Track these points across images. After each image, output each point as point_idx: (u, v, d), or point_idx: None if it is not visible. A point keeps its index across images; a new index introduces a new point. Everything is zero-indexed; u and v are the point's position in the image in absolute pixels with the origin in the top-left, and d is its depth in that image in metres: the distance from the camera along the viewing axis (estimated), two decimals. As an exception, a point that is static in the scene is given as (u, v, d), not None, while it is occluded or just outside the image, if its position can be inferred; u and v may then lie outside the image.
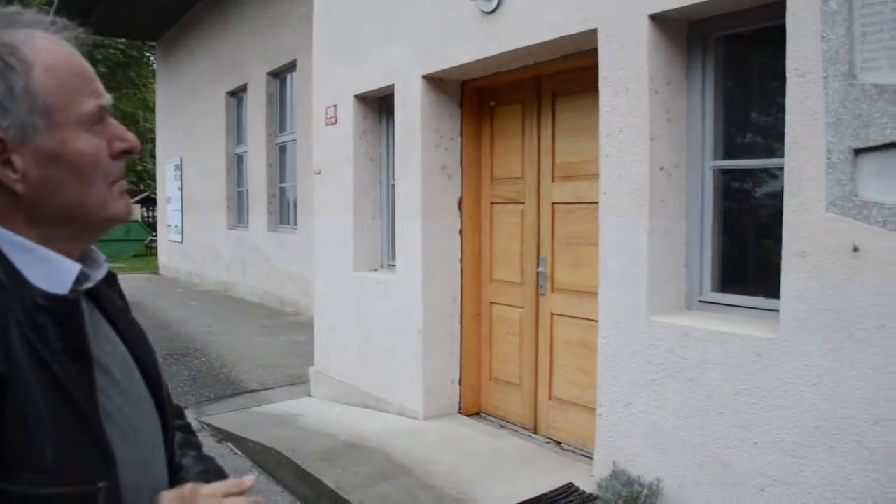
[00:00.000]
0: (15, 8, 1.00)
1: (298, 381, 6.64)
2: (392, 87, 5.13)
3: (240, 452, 5.05)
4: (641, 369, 3.46)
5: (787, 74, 2.84)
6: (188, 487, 1.06)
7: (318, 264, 6.16)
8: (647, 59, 3.37)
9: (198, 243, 14.19)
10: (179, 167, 14.78)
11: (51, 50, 0.98)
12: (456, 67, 4.59)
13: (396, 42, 5.04)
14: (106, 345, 1.06)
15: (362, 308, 5.54)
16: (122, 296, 1.20)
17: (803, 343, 2.81)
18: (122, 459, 0.97)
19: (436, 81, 4.85)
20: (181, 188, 14.85)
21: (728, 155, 3.45)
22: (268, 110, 11.05)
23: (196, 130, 13.74)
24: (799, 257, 2.83)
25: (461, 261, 5.02)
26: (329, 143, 5.91)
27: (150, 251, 21.22)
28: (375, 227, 5.68)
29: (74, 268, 1.00)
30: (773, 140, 3.28)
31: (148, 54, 23.94)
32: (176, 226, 15.46)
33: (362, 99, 5.58)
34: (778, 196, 3.06)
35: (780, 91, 2.91)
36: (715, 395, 3.15)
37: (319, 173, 6.07)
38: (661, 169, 3.41)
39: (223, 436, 5.30)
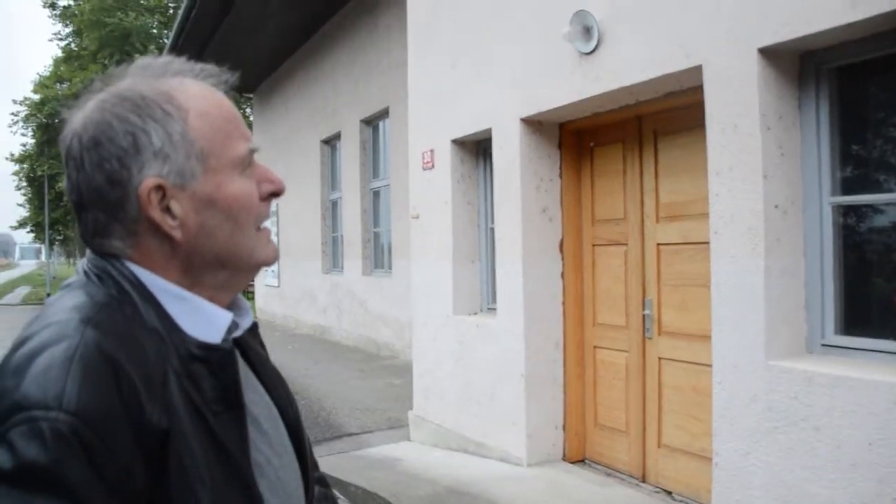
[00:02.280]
0: (165, 58, 1.02)
1: (397, 425, 6.64)
2: (489, 130, 5.15)
3: (342, 497, 5.05)
4: (761, 416, 3.29)
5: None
6: None
7: (417, 308, 6.18)
8: (756, 95, 3.27)
9: (294, 287, 14.52)
10: (276, 213, 15.23)
11: (203, 96, 0.99)
12: (554, 109, 4.57)
13: (493, 86, 5.07)
14: (253, 394, 1.05)
15: (462, 352, 5.51)
16: (261, 344, 1.19)
17: (946, 390, 2.62)
18: None
19: (534, 124, 4.84)
20: (277, 233, 15.29)
21: (847, 190, 3.29)
22: (361, 157, 11.29)
23: (292, 177, 14.17)
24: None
25: (563, 304, 4.94)
26: (426, 188, 5.96)
27: (248, 295, 21.85)
28: (474, 271, 5.67)
29: (227, 316, 0.99)
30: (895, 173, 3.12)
31: (245, 106, 24.95)
32: (272, 271, 15.88)
33: (459, 143, 5.62)
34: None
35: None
36: (846, 445, 2.96)
37: (417, 217, 6.12)
38: (776, 206, 3.28)
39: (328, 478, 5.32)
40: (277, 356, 10.22)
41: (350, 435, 6.53)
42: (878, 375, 2.89)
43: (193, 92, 0.98)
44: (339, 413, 7.24)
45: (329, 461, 5.61)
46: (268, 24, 12.42)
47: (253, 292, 18.43)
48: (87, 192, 0.94)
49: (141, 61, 1.01)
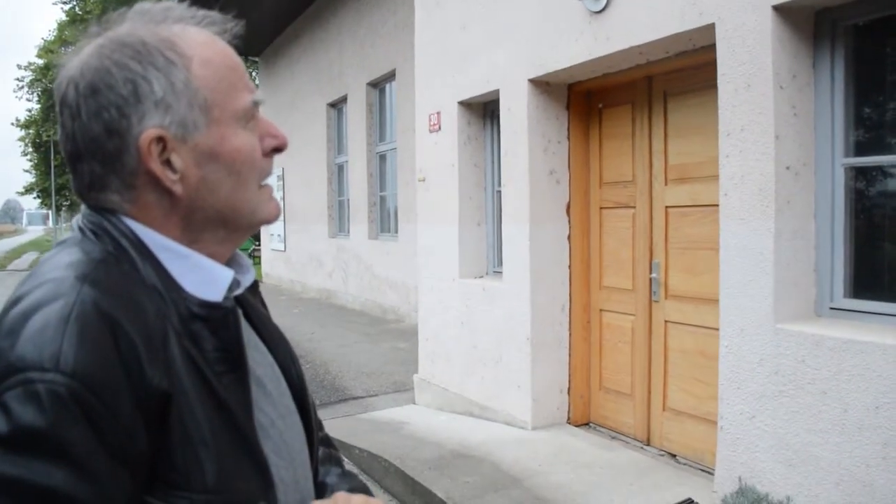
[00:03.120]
0: (166, 3, 0.97)
1: (402, 389, 6.67)
2: (497, 92, 5.08)
3: (347, 460, 5.08)
4: (768, 380, 3.27)
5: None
6: (340, 495, 1.02)
7: (423, 271, 6.15)
8: (770, 53, 3.20)
9: (300, 252, 14.53)
10: (282, 177, 15.17)
11: (207, 44, 0.94)
12: (563, 70, 4.49)
13: (500, 47, 4.99)
14: (256, 354, 1.02)
15: (468, 315, 5.50)
16: (262, 302, 1.16)
17: (956, 354, 2.59)
18: (277, 476, 0.94)
19: (542, 85, 4.77)
20: (283, 198, 15.25)
21: (861, 152, 3.23)
22: (367, 120, 11.21)
23: (297, 141, 14.09)
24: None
25: (570, 267, 4.90)
26: (433, 151, 5.91)
27: (254, 259, 21.90)
28: (481, 234, 5.63)
29: (228, 274, 0.96)
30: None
31: (251, 70, 24.77)
32: (279, 235, 15.88)
33: (466, 105, 5.55)
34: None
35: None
36: (852, 408, 2.94)
37: (423, 180, 6.07)
38: (788, 168, 3.22)
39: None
40: (283, 320, 10.25)
41: (355, 398, 6.56)
42: (886, 339, 2.86)
43: (196, 39, 0.94)
44: (345, 376, 7.27)
45: (334, 424, 5.64)
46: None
47: (259, 256, 18.47)
48: (83, 142, 0.90)
49: (140, 6, 0.96)
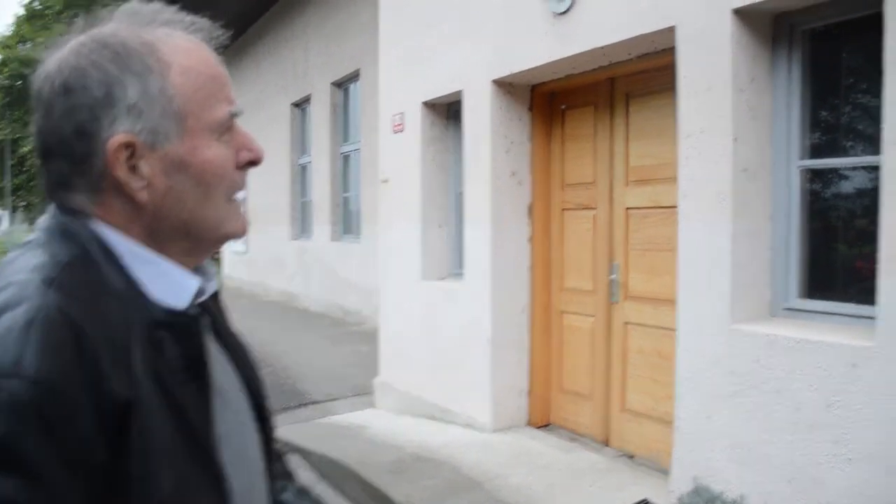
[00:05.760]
0: (156, 5, 0.95)
1: (363, 392, 6.61)
2: (460, 92, 5.07)
3: (306, 465, 5.02)
4: (723, 380, 3.30)
5: (885, 67, 2.68)
6: None
7: (384, 273, 6.12)
8: (729, 56, 3.23)
9: (262, 254, 14.38)
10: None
11: (190, 51, 0.93)
12: (526, 71, 4.50)
13: (464, 47, 4.98)
14: (216, 363, 1.00)
15: (429, 318, 5.47)
16: (223, 310, 1.13)
17: (903, 352, 2.64)
18: (233, 487, 0.91)
19: (505, 86, 4.77)
20: (246, 199, 15.05)
21: (816, 154, 3.28)
22: (332, 120, 11.14)
23: (261, 141, 13.76)
24: (897, 261, 2.66)
25: (531, 269, 4.91)
26: (396, 151, 5.88)
27: (214, 261, 21.63)
28: (443, 236, 5.61)
29: (194, 282, 0.94)
30: (864, 138, 3.11)
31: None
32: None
33: (430, 106, 5.54)
34: (870, 196, 2.90)
35: (873, 86, 2.75)
36: (804, 407, 2.98)
37: (387, 181, 6.04)
38: (745, 170, 3.26)
39: (289, 448, 5.28)
40: (244, 324, 10.13)
41: (315, 402, 6.48)
42: (837, 338, 2.91)
43: (180, 45, 0.92)
44: (305, 380, 7.19)
45: (294, 429, 5.57)
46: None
47: (219, 259, 18.25)
48: (53, 141, 0.88)
49: (129, 6, 0.94)
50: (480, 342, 4.87)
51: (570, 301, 4.78)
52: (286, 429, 5.61)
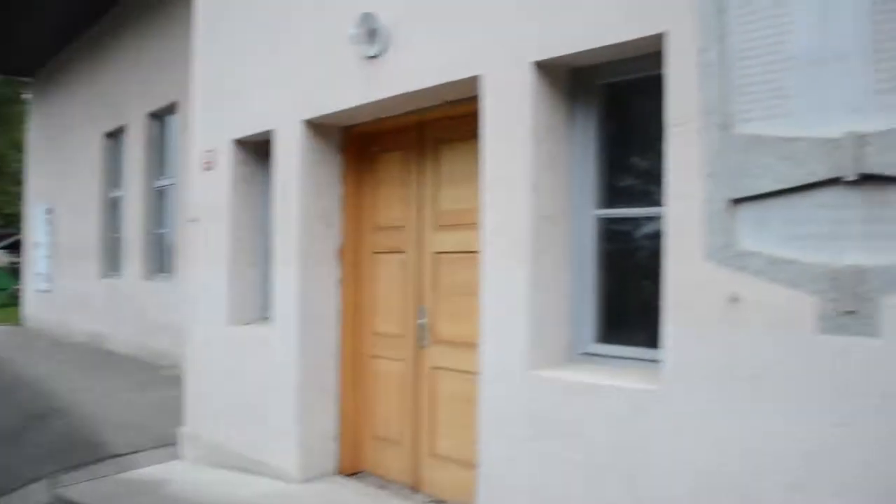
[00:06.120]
0: None
1: (170, 443, 6.18)
2: (272, 131, 4.93)
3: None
4: (524, 425, 3.34)
5: (666, 124, 2.85)
6: None
7: (191, 317, 5.81)
8: (530, 107, 3.33)
9: (67, 292, 13.34)
10: (50, 211, 13.95)
11: None
12: (338, 113, 4.45)
13: (278, 86, 4.87)
14: None
15: (236, 364, 5.23)
16: None
17: (684, 395, 2.77)
18: None
19: (317, 127, 4.69)
20: (51, 233, 14.01)
21: (611, 203, 3.44)
22: (147, 153, 10.59)
23: (70, 173, 13.04)
24: (679, 308, 2.81)
25: (341, 313, 4.81)
26: (206, 189, 5.63)
27: (14, 301, 19.84)
28: (252, 278, 5.40)
29: None
30: (655, 189, 3.28)
31: (22, 91, 22.74)
32: (44, 273, 14.51)
33: (242, 143, 5.35)
34: (658, 245, 3.05)
35: (661, 141, 2.91)
36: (597, 451, 3.06)
37: (195, 221, 5.76)
38: (544, 218, 3.35)
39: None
40: (42, 368, 9.34)
41: (116, 456, 5.97)
42: (627, 382, 3.02)
43: None
44: (107, 431, 6.64)
45: (88, 488, 5.11)
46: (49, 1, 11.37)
47: (19, 297, 16.78)
48: None
49: None
50: (288, 389, 4.70)
51: (381, 345, 4.72)
52: (79, 488, 5.13)
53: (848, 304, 2.44)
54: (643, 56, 3.07)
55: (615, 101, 3.42)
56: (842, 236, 2.47)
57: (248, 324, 5.33)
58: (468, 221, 4.09)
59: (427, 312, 4.36)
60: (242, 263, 5.37)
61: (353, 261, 4.83)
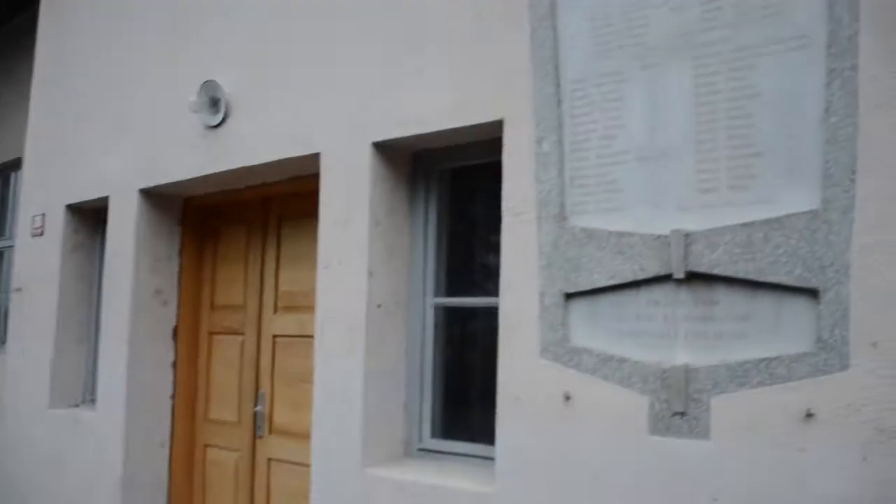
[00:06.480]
0: None
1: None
2: (107, 199, 4.59)
3: None
4: (356, 526, 3.10)
5: (503, 213, 2.78)
6: None
7: (8, 399, 5.24)
8: (368, 189, 3.20)
9: None
10: None
11: None
12: (179, 183, 4.18)
13: (117, 150, 4.54)
14: None
15: (56, 452, 4.71)
16: None
17: (518, 495, 2.63)
18: None
19: (155, 196, 4.39)
20: None
21: (450, 292, 3.32)
22: (-16, 212, 9.81)
23: None
24: (513, 404, 2.69)
25: (173, 397, 4.43)
26: (35, 257, 5.17)
27: None
28: (80, 356, 4.95)
29: None
30: (494, 279, 3.19)
31: None
32: None
33: (75, 210, 4.96)
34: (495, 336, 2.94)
35: (499, 229, 2.82)
36: (429, 557, 2.85)
37: (20, 291, 5.27)
38: (380, 306, 3.19)
39: None
40: None
41: None
42: (462, 483, 2.86)
43: None
44: None
45: None
46: None
47: None
48: None
49: None
50: (111, 481, 4.26)
51: (216, 434, 4.37)
52: None
53: (678, 404, 2.38)
54: (483, 142, 3.00)
55: (457, 187, 3.35)
56: (672, 334, 2.43)
57: (73, 406, 4.85)
58: (308, 304, 3.87)
59: (265, 399, 4.07)
60: (70, 339, 4.91)
61: (189, 341, 4.48)
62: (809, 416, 2.14)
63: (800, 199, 2.23)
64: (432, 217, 3.33)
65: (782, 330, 2.26)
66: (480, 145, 3.05)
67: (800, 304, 2.22)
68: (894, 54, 2.08)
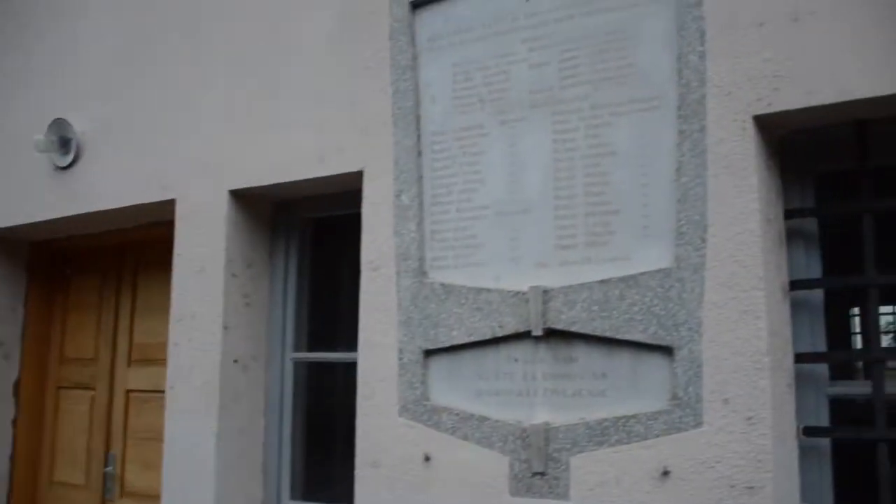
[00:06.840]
0: None
1: None
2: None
3: None
4: None
5: (362, 267, 2.71)
6: None
7: None
8: (225, 238, 3.07)
9: None
10: None
11: None
12: (25, 226, 3.90)
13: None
14: None
15: None
16: None
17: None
18: None
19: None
20: None
21: (312, 346, 3.21)
22: None
23: None
24: (372, 466, 2.59)
25: (12, 458, 4.07)
26: None
27: None
28: None
29: None
30: (356, 333, 3.10)
31: None
32: None
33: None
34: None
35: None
36: None
37: None
38: (236, 361, 3.05)
39: None
40: None
41: None
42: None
43: None
44: None
45: None
46: None
47: None
48: None
49: None
50: (-62, 556, 3.86)
51: (60, 498, 4.04)
52: None
53: (538, 464, 2.33)
54: (345, 193, 2.92)
55: (320, 238, 3.27)
56: (532, 392, 2.40)
57: None
58: (163, 357, 3.65)
59: (116, 459, 3.80)
60: None
61: (33, 397, 4.15)
62: (665, 473, 2.14)
63: (654, 256, 2.25)
64: (293, 268, 3.22)
65: (639, 387, 2.26)
66: (342, 196, 2.97)
67: (655, 362, 2.23)
68: (739, 119, 2.13)
